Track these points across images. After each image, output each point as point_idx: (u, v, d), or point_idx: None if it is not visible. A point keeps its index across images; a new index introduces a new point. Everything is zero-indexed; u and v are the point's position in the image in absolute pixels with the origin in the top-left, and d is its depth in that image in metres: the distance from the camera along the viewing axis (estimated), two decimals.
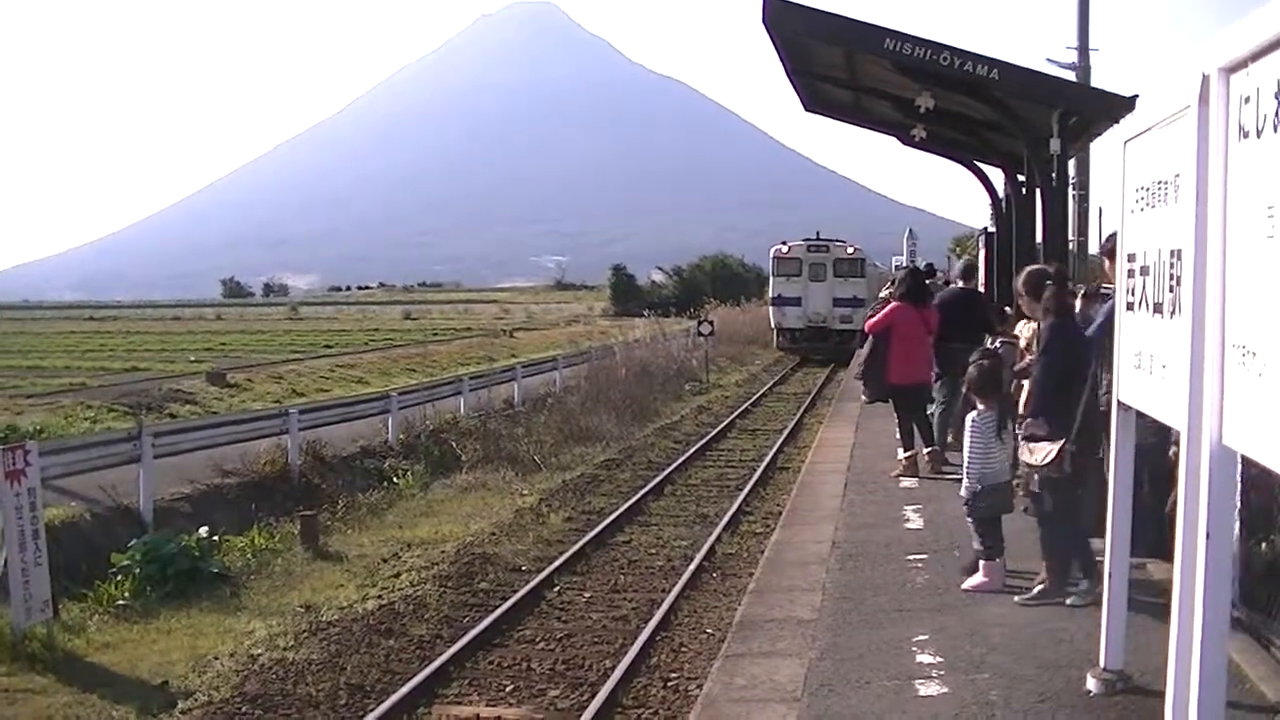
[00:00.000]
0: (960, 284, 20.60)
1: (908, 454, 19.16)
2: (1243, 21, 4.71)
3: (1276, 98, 4.34)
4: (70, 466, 19.57)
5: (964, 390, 12.63)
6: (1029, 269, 13.04)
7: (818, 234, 66.41)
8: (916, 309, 19.46)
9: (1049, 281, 11.31)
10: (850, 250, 64.23)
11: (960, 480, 12.18)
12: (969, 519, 11.95)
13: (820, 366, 58.34)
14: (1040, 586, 11.02)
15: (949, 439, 19.06)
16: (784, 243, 65.30)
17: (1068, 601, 10.84)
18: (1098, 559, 9.88)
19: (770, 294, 65.22)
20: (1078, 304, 12.80)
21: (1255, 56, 4.58)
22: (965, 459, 11.88)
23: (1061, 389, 10.66)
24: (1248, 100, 4.69)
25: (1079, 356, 10.84)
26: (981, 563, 11.80)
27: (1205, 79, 5.22)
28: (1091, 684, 8.54)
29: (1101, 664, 8.49)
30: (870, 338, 20.25)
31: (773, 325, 65.21)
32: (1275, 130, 4.38)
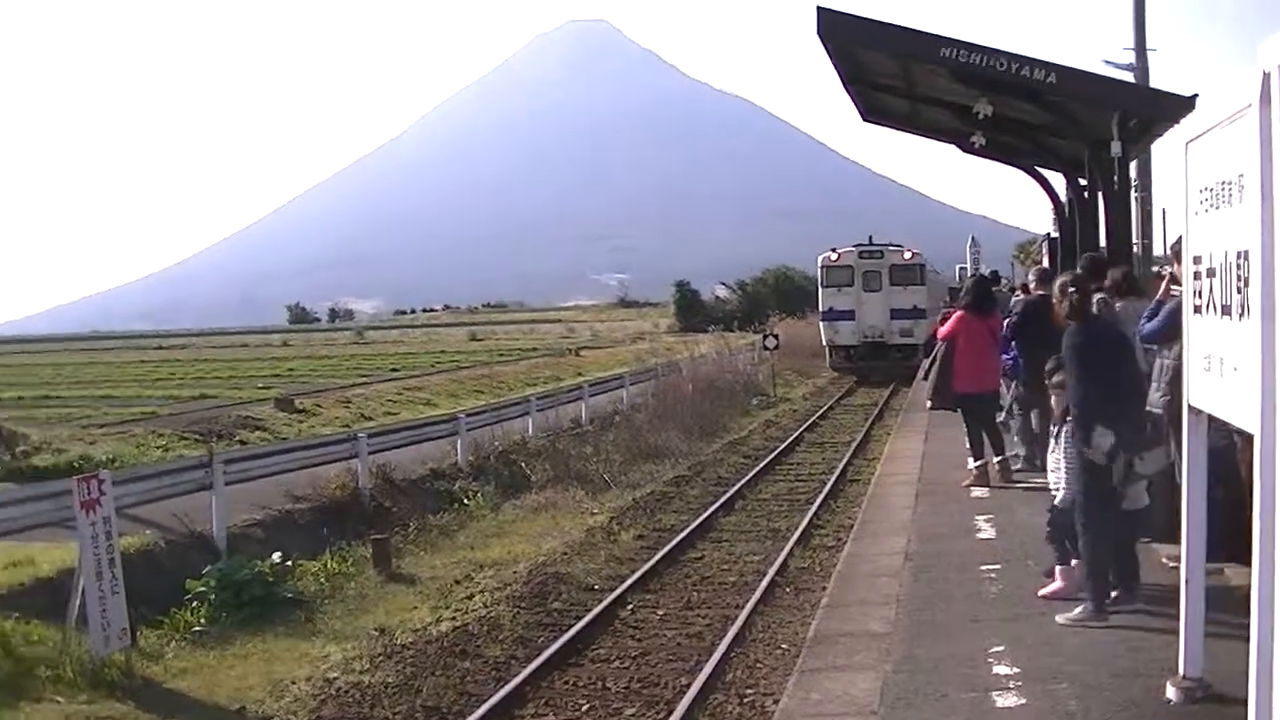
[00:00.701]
0: (1039, 291, 20.51)
1: (978, 463, 19.06)
2: None
3: None
4: (143, 495, 19.69)
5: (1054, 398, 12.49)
6: (1059, 280, 12.91)
7: (870, 238, 60.44)
8: (982, 317, 19.39)
9: (1072, 289, 11.16)
10: (908, 255, 58.86)
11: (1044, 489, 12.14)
12: (1048, 526, 11.85)
13: (878, 387, 52.66)
14: (1081, 607, 10.87)
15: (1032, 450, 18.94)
16: (833, 249, 59.73)
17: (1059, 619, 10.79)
18: (1172, 564, 9.82)
19: (820, 307, 59.95)
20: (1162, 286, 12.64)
21: None
22: (1063, 468, 11.68)
23: (1103, 400, 10.58)
24: None
25: (1105, 364, 10.78)
26: (1057, 568, 11.73)
27: (1266, 77, 5.20)
28: (1171, 692, 8.47)
29: (1181, 672, 8.42)
30: (938, 345, 20.21)
31: (824, 343, 60.08)
32: None
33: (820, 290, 59.48)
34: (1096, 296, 12.04)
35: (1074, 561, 11.56)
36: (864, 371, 57.63)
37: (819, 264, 59.87)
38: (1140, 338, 13.01)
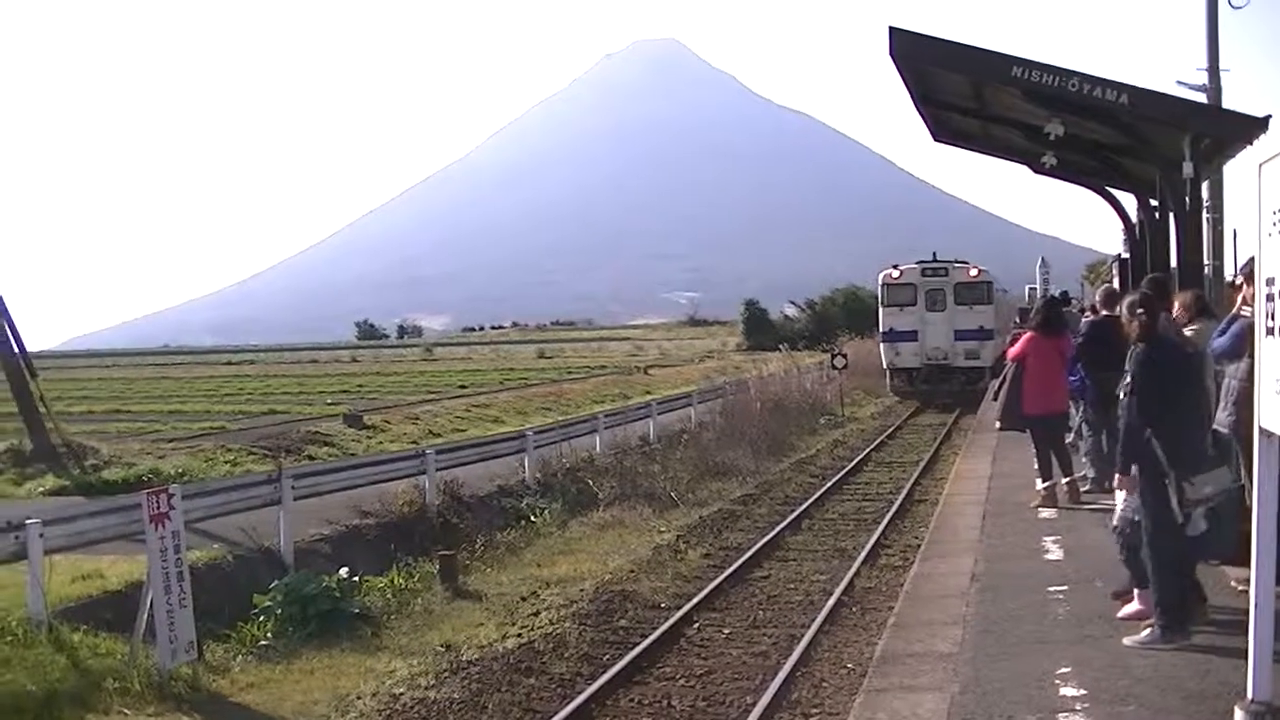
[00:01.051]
0: (1104, 312, 20.40)
1: (1046, 484, 18.99)
2: None
3: None
4: (212, 509, 19.83)
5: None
6: (1128, 299, 12.84)
7: (934, 255, 56.27)
8: (1051, 338, 19.34)
9: (1140, 310, 11.10)
10: (974, 273, 54.53)
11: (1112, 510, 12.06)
12: (1123, 549, 11.77)
13: (943, 412, 50.23)
14: (1148, 630, 10.79)
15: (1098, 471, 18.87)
16: (895, 266, 55.65)
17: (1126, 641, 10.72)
18: (1241, 588, 9.75)
19: (880, 327, 56.04)
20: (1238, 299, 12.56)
21: None
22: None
23: (1159, 421, 10.51)
24: None
25: (1173, 384, 10.72)
26: (1136, 591, 11.65)
27: None
28: (1239, 716, 8.40)
29: (1249, 695, 8.35)
30: (1008, 366, 20.17)
31: (885, 365, 55.93)
32: None
33: (880, 309, 55.73)
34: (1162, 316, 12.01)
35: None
36: (927, 396, 54.64)
37: (879, 281, 56.20)
38: (1213, 353, 12.98)
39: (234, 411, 56.09)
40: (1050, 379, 18.96)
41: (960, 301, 53.65)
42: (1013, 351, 20.20)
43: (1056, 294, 35.93)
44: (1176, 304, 14.01)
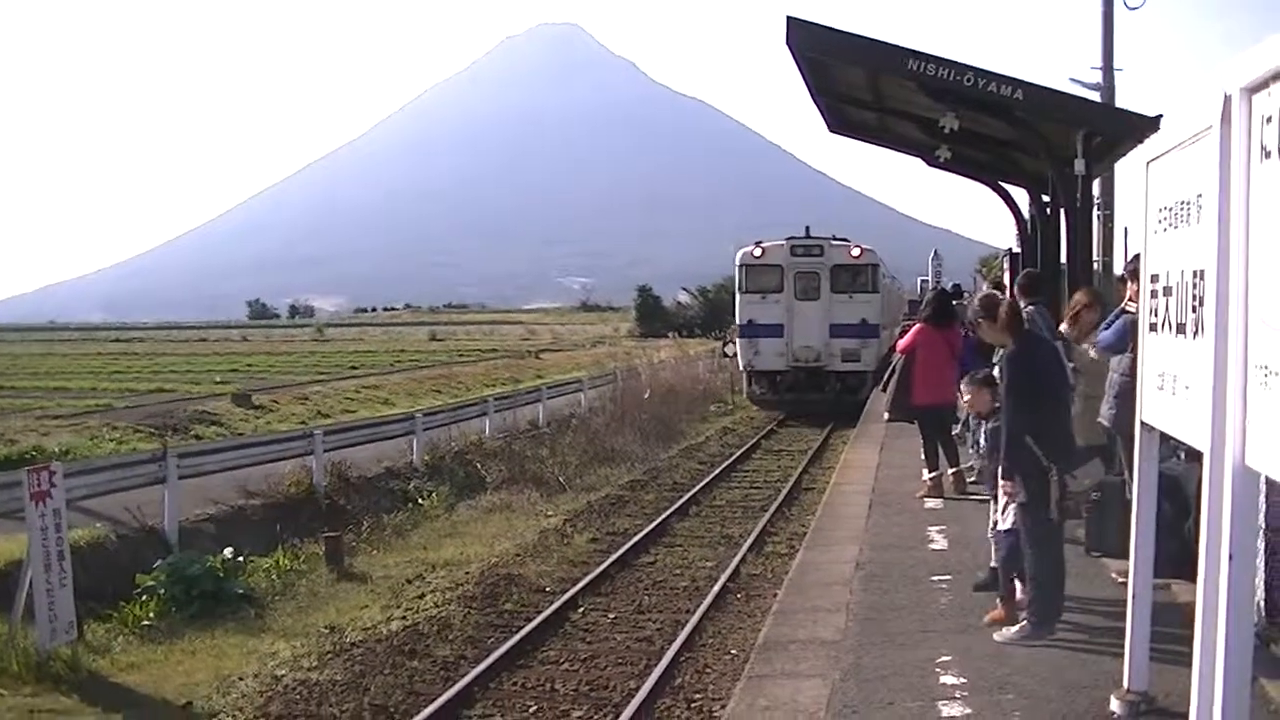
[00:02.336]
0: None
1: (932, 475, 19.13)
2: (1265, 42, 4.70)
3: None
4: (96, 488, 19.63)
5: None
6: (980, 295, 12.95)
7: (808, 230, 45.52)
8: (941, 330, 19.48)
9: (999, 304, 11.17)
10: (856, 253, 44.16)
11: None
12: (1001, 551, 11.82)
13: (814, 426, 40.68)
14: (1020, 626, 10.84)
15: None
16: (757, 243, 44.91)
17: (997, 637, 10.79)
18: (1121, 579, 9.84)
19: (737, 319, 45.21)
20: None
21: (1277, 76, 4.57)
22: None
23: (1036, 418, 10.55)
24: (1269, 120, 4.68)
25: (1046, 379, 10.78)
26: (999, 598, 11.67)
27: (1227, 99, 5.22)
28: (1115, 705, 8.50)
29: (1126, 685, 8.46)
30: (897, 358, 20.30)
31: (741, 367, 45.48)
32: None
33: (738, 297, 45.02)
34: (1026, 309, 12.12)
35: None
36: (793, 407, 44.29)
37: (736, 262, 45.10)
38: (1097, 346, 13.13)
39: (121, 389, 55.52)
40: (939, 370, 19.08)
41: (839, 289, 43.59)
42: (902, 343, 20.34)
43: (949, 287, 36.18)
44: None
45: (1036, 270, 19.20)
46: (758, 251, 44.45)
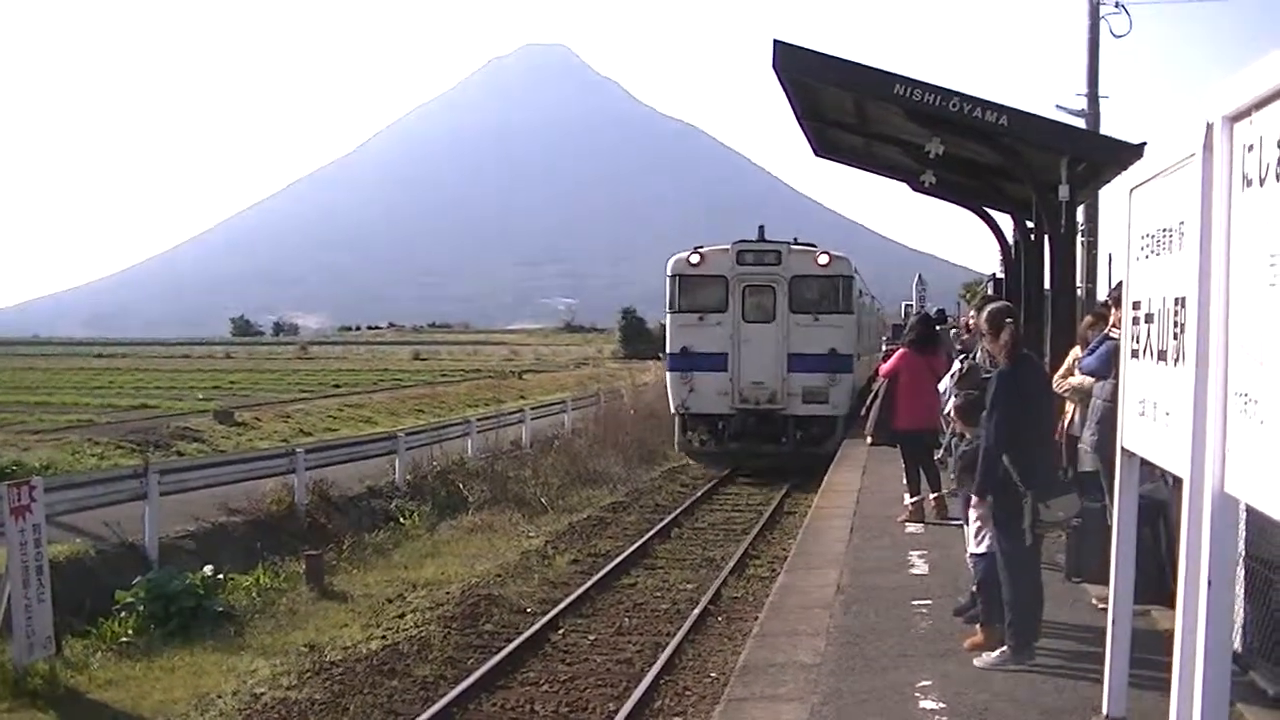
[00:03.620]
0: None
1: (914, 499, 19.14)
2: (1246, 71, 4.73)
3: (1279, 146, 4.35)
4: (76, 503, 19.58)
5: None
6: (990, 306, 12.93)
7: (761, 230, 35.95)
8: (924, 355, 19.50)
9: (1009, 320, 11.13)
10: (822, 261, 34.18)
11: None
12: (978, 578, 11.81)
13: (766, 485, 32.60)
14: (1000, 651, 10.82)
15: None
16: (696, 249, 34.86)
17: (976, 662, 10.78)
18: (1101, 605, 9.83)
19: (667, 346, 35.29)
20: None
21: (1258, 106, 4.59)
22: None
23: (1015, 441, 10.53)
24: (1250, 149, 4.70)
25: (1034, 404, 10.77)
26: (980, 624, 11.66)
27: (1209, 127, 5.25)
28: None
29: (1105, 711, 8.46)
30: (880, 382, 20.32)
31: (672, 409, 34.87)
32: (1278, 179, 4.39)
33: (667, 318, 35.49)
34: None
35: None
36: (739, 461, 35.11)
37: (666, 271, 34.87)
38: (1080, 370, 13.19)
39: (103, 405, 55.31)
40: (922, 396, 19.10)
41: (800, 308, 33.74)
42: (885, 368, 20.37)
43: (933, 312, 36.17)
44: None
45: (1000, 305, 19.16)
46: (694, 259, 34.33)
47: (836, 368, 33.37)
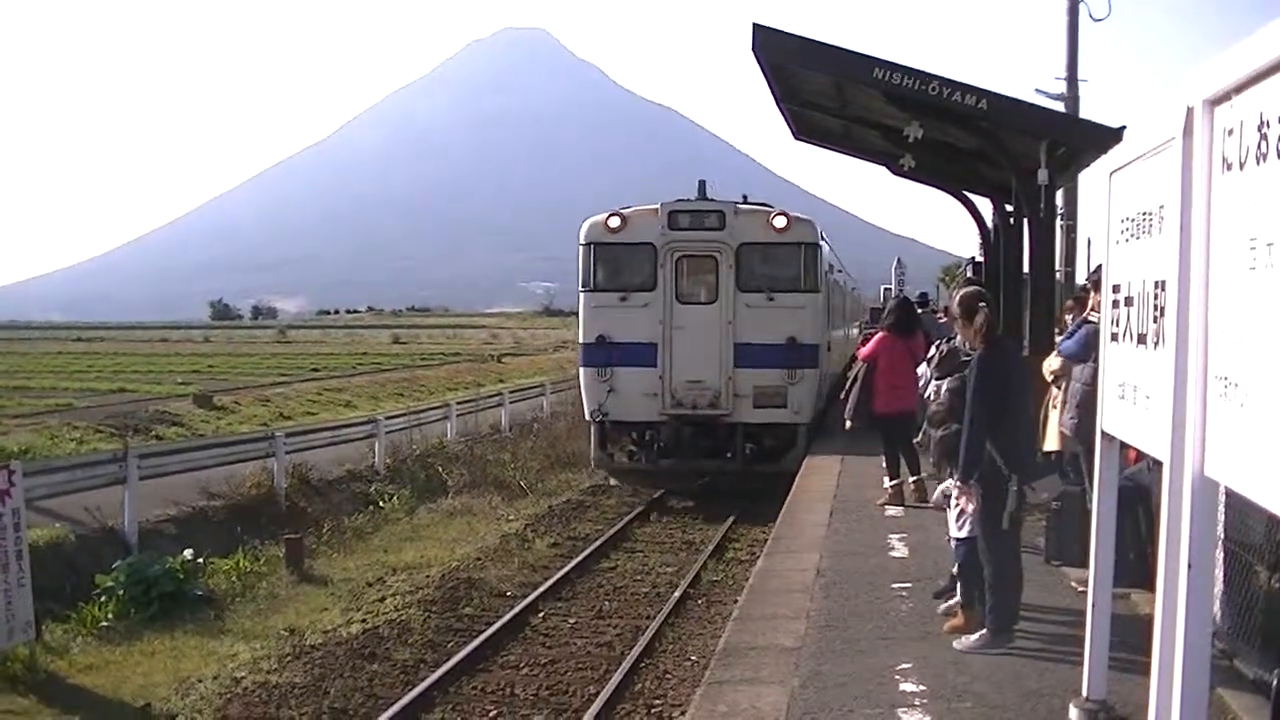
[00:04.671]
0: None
1: (893, 482, 19.13)
2: (1226, 54, 4.73)
3: (1259, 130, 4.36)
4: (55, 487, 19.53)
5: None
6: (964, 290, 12.92)
7: (702, 186, 29.00)
8: (903, 338, 19.47)
9: (982, 305, 11.10)
10: (779, 224, 27.19)
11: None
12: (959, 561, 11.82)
13: (707, 519, 25.48)
14: (979, 635, 10.83)
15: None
16: (617, 212, 27.75)
17: (956, 645, 10.80)
18: (1081, 589, 9.86)
19: (580, 335, 28.08)
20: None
21: (1238, 89, 4.59)
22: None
23: (998, 425, 10.53)
24: (1231, 133, 4.71)
25: (1014, 387, 10.77)
26: (960, 606, 11.66)
27: (1189, 111, 5.24)
28: (1074, 714, 8.51)
29: (1084, 694, 8.47)
30: (858, 366, 20.24)
31: (587, 415, 27.55)
32: (1258, 163, 4.39)
33: (580, 298, 28.16)
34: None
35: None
36: (673, 482, 28.26)
37: (579, 239, 27.83)
38: (1058, 353, 13.23)
39: (82, 389, 55.18)
40: (901, 378, 19.01)
41: (751, 285, 26.90)
42: (864, 352, 20.28)
43: (916, 296, 35.93)
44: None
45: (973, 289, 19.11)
46: (614, 222, 27.34)
47: (798, 361, 26.65)
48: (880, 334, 20.06)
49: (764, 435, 27.08)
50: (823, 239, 28.59)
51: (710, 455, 26.81)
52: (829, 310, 30.86)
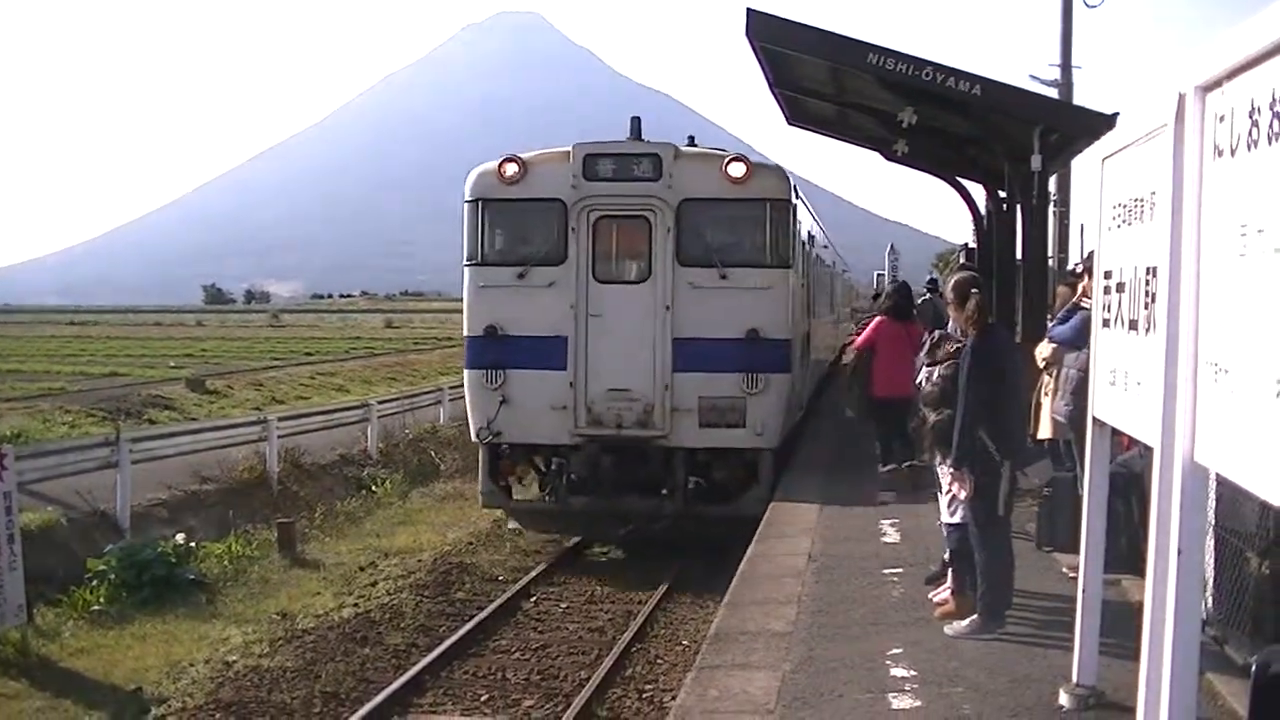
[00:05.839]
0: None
1: (887, 468, 19.11)
2: (1218, 40, 4.73)
3: (1250, 117, 4.36)
4: (47, 471, 19.52)
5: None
6: (956, 276, 12.90)
7: (635, 123, 21.95)
8: (901, 323, 19.41)
9: (974, 290, 11.08)
10: (736, 172, 19.96)
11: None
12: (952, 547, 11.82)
13: (645, 575, 19.21)
14: (970, 621, 10.83)
15: None
16: (514, 157, 20.63)
17: (947, 630, 10.80)
18: (1072, 574, 9.87)
19: (465, 326, 20.94)
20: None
21: (1230, 75, 4.60)
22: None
23: (991, 414, 10.53)
24: (1222, 119, 4.71)
25: (1007, 374, 10.76)
26: (952, 590, 11.66)
27: (1181, 98, 5.25)
28: (1064, 699, 8.53)
29: (1074, 679, 8.49)
30: (852, 356, 20.09)
31: (473, 433, 20.41)
32: (1249, 149, 4.40)
33: (465, 274, 20.96)
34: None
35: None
36: (588, 529, 21.23)
37: (465, 194, 20.78)
38: (1050, 338, 13.24)
39: (75, 373, 55.11)
40: (900, 364, 18.87)
41: (697, 256, 20.09)
42: (860, 340, 20.14)
43: (926, 282, 35.69)
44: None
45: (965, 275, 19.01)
46: (509, 169, 20.23)
47: (761, 363, 19.70)
48: (877, 319, 19.99)
49: (714, 466, 19.99)
50: (797, 195, 21.86)
51: (640, 492, 19.82)
52: (808, 293, 25.03)
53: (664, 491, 19.55)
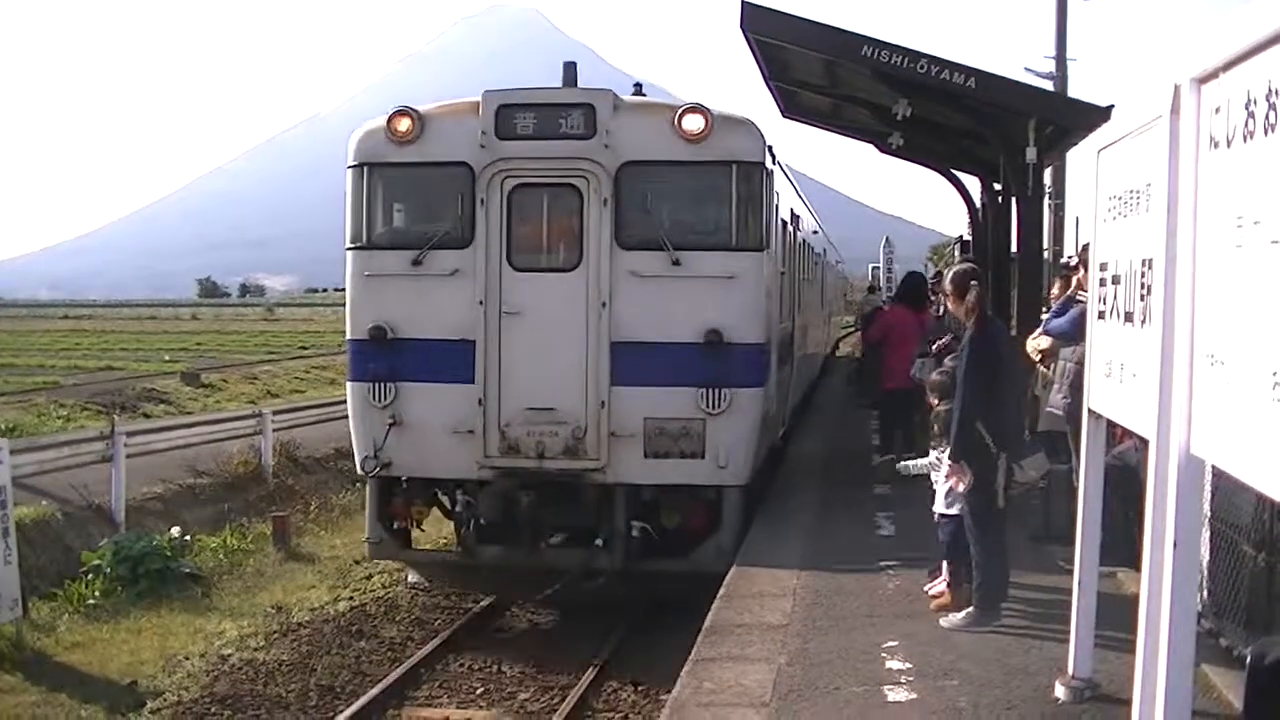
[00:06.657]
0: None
1: (886, 458, 19.06)
2: (1214, 32, 4.72)
3: (1246, 108, 4.36)
4: (42, 465, 19.47)
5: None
6: (955, 267, 12.89)
7: (570, 70, 16.40)
8: (915, 312, 19.34)
9: (974, 282, 11.05)
10: (691, 127, 14.94)
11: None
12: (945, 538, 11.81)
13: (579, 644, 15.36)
14: (966, 613, 10.82)
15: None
16: (407, 110, 15.71)
17: (943, 623, 10.80)
18: (1067, 567, 9.88)
19: (348, 329, 16.23)
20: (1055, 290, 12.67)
21: (1226, 67, 4.59)
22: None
23: (988, 407, 10.52)
24: (1218, 111, 4.71)
25: (1004, 367, 10.75)
26: (948, 582, 11.63)
27: (1177, 89, 5.25)
28: (1060, 691, 8.54)
29: (1070, 671, 8.50)
30: (863, 349, 20.04)
31: (359, 466, 15.96)
32: (1245, 141, 4.39)
33: (348, 260, 16.14)
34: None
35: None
36: (503, 588, 16.70)
37: (348, 158, 16.09)
38: (1047, 331, 13.23)
39: (69, 367, 55.03)
40: (910, 353, 18.83)
41: (642, 237, 15.29)
42: (871, 333, 20.04)
43: (931, 275, 35.70)
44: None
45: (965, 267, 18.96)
46: (403, 125, 15.69)
47: (725, 374, 15.11)
48: (890, 308, 19.95)
49: (663, 507, 15.46)
50: (773, 160, 16.97)
51: (569, 540, 15.74)
52: (791, 285, 20.53)
53: (599, 541, 15.16)
